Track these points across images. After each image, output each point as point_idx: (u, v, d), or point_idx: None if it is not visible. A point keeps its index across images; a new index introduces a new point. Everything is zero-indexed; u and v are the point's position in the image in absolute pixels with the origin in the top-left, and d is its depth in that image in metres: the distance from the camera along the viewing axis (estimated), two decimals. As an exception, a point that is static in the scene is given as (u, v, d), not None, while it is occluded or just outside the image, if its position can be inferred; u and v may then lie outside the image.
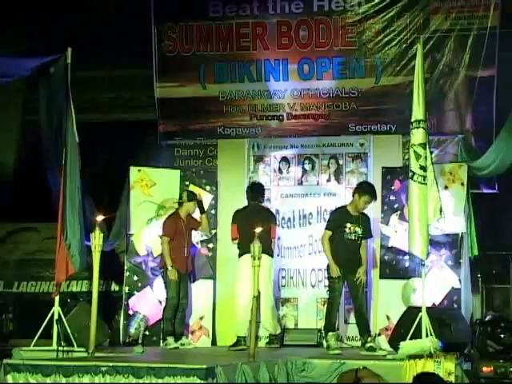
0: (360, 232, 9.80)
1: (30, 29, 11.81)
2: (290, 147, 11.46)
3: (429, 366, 8.21)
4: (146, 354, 9.58)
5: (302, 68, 11.68)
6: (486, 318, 10.49)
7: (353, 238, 9.80)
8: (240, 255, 10.26)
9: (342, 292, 9.86)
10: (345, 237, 9.81)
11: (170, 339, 10.26)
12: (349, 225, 9.81)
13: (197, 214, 10.71)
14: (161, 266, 10.53)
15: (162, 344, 10.43)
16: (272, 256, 10.35)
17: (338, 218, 9.99)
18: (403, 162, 10.91)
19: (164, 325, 10.41)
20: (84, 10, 11.93)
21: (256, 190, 10.69)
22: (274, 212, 10.91)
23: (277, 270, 10.86)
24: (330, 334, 9.73)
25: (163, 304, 10.65)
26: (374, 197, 9.93)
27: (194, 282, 10.78)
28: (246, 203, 10.98)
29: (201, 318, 10.81)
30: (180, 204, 10.62)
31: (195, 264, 10.81)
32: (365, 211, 9.99)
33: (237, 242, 10.44)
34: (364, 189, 9.97)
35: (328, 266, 9.86)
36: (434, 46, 11.17)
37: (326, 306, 10.11)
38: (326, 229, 10.00)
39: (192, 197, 10.63)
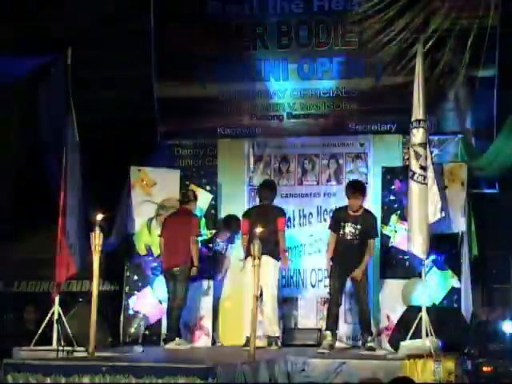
0: (357, 232, 9.79)
1: (30, 28, 11.79)
2: (290, 147, 11.48)
3: (429, 366, 8.21)
4: (146, 353, 9.58)
5: (302, 68, 11.68)
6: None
7: (349, 237, 9.81)
8: (246, 256, 10.15)
9: (342, 291, 9.85)
10: (343, 237, 9.83)
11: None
12: (345, 224, 9.83)
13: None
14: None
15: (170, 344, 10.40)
16: (278, 260, 10.29)
17: (336, 218, 10.04)
18: (403, 162, 10.92)
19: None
20: (84, 10, 11.92)
21: (266, 189, 10.61)
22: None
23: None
24: (324, 333, 9.76)
25: (163, 304, 10.67)
26: (352, 190, 9.88)
27: (193, 281, 10.79)
28: (246, 203, 11.01)
29: (201, 318, 10.81)
30: (182, 202, 10.66)
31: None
32: (371, 210, 10.02)
33: (247, 236, 10.29)
34: (346, 188, 10.08)
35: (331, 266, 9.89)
36: (434, 46, 11.16)
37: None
38: (328, 228, 10.09)
39: (195, 196, 10.68)
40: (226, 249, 11.09)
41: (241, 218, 10.63)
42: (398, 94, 11.16)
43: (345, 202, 10.43)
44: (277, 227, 10.25)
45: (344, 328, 10.56)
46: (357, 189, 9.96)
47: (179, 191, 11.00)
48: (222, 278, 11.06)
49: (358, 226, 9.80)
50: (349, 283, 9.95)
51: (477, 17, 11.08)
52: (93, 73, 11.74)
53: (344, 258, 9.80)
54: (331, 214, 10.43)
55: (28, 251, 12.27)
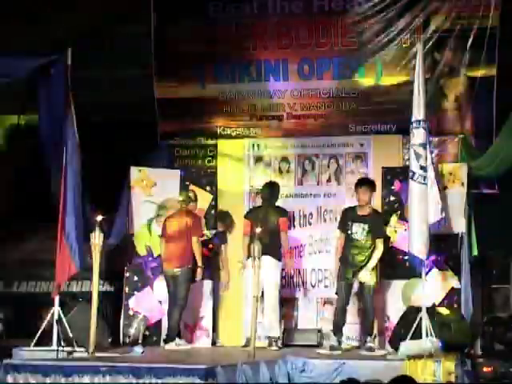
0: (364, 232, 9.78)
1: (30, 29, 11.79)
2: (290, 147, 11.49)
3: (429, 366, 8.21)
4: (146, 354, 9.58)
5: (302, 68, 11.66)
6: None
7: (356, 237, 9.81)
8: (248, 257, 10.10)
9: (349, 292, 9.84)
10: (350, 237, 9.83)
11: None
12: (352, 224, 9.83)
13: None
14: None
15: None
16: (279, 260, 10.29)
17: (343, 218, 10.04)
18: (403, 162, 10.93)
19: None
20: (84, 10, 11.92)
21: (269, 190, 10.63)
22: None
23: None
24: (329, 333, 9.77)
25: (163, 305, 10.66)
26: (366, 184, 9.91)
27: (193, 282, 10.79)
28: (246, 204, 11.01)
29: (201, 318, 10.81)
30: (183, 203, 10.64)
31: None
32: (379, 210, 10.02)
33: (248, 237, 10.31)
34: (358, 181, 10.08)
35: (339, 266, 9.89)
36: (434, 46, 11.16)
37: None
38: (337, 228, 10.10)
39: (196, 197, 10.68)
40: (220, 248, 11.04)
41: (243, 219, 10.63)
42: (397, 94, 11.16)
43: (345, 202, 10.46)
44: (279, 228, 10.25)
45: (344, 328, 10.54)
46: (365, 182, 9.99)
47: (179, 191, 10.99)
48: (226, 283, 11.02)
49: (366, 226, 9.79)
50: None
51: (477, 17, 11.07)
52: (93, 73, 11.74)
53: (351, 258, 9.80)
54: (340, 214, 10.40)
55: (28, 251, 12.27)
